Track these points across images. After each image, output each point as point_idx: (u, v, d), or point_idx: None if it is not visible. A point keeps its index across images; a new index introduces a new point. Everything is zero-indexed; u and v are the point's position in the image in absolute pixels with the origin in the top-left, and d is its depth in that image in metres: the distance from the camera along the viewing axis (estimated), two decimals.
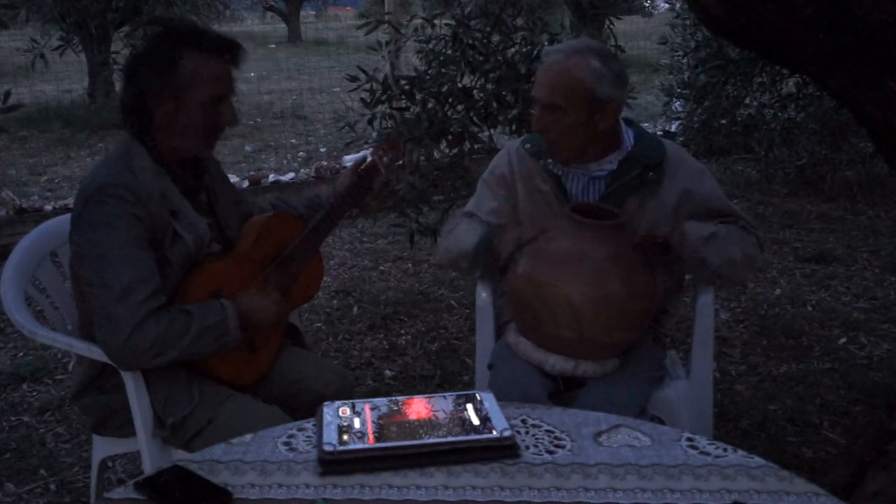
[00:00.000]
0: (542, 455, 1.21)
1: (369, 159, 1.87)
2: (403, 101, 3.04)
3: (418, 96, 3.01)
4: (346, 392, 1.82)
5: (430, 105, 3.01)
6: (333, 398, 1.43)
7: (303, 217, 1.92)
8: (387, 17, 3.93)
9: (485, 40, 3.07)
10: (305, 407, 1.75)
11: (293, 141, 7.69)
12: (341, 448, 1.17)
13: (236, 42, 1.65)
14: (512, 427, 1.23)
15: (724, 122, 5.35)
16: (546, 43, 3.06)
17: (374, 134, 3.01)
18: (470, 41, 3.03)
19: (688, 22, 5.38)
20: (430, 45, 3.12)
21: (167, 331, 1.52)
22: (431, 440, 1.19)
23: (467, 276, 1.98)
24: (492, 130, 3.19)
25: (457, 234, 1.91)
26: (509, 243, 1.81)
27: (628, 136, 1.86)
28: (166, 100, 1.58)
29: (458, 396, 1.33)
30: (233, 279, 1.70)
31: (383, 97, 3.02)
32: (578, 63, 1.72)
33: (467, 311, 3.53)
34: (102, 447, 1.85)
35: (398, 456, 1.17)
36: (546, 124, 1.77)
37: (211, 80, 1.59)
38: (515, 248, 1.78)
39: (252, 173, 5.72)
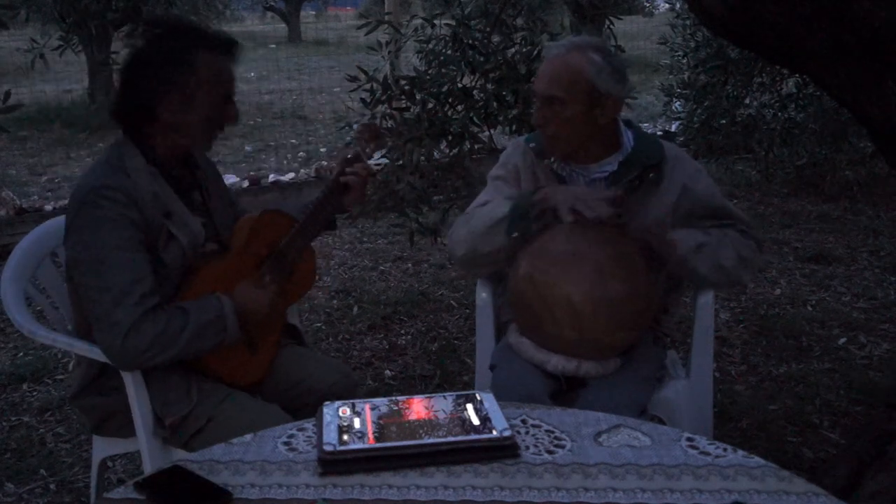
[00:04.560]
0: (542, 455, 1.20)
1: (355, 149, 1.84)
2: (403, 101, 3.04)
3: (418, 96, 3.01)
4: (351, 390, 1.83)
5: (430, 105, 3.01)
6: (338, 397, 1.43)
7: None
8: (387, 17, 3.92)
9: (485, 40, 3.07)
10: (310, 406, 1.74)
11: (293, 141, 7.69)
12: (341, 448, 1.16)
13: (236, 40, 1.67)
14: (512, 427, 1.23)
15: (724, 122, 5.36)
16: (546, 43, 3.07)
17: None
18: (470, 41, 3.02)
19: (688, 22, 5.38)
20: (430, 45, 3.12)
21: (165, 329, 1.54)
22: (431, 440, 1.19)
23: (487, 263, 1.86)
24: (492, 130, 3.19)
25: (482, 211, 1.84)
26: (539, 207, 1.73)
27: (628, 138, 1.86)
28: (176, 99, 1.58)
29: (458, 396, 1.33)
30: (228, 279, 1.69)
31: (383, 97, 3.01)
32: (579, 56, 1.74)
33: (467, 311, 3.52)
34: (102, 447, 1.85)
35: (398, 456, 1.17)
36: (546, 117, 1.77)
37: (224, 78, 1.62)
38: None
39: (252, 173, 5.72)
